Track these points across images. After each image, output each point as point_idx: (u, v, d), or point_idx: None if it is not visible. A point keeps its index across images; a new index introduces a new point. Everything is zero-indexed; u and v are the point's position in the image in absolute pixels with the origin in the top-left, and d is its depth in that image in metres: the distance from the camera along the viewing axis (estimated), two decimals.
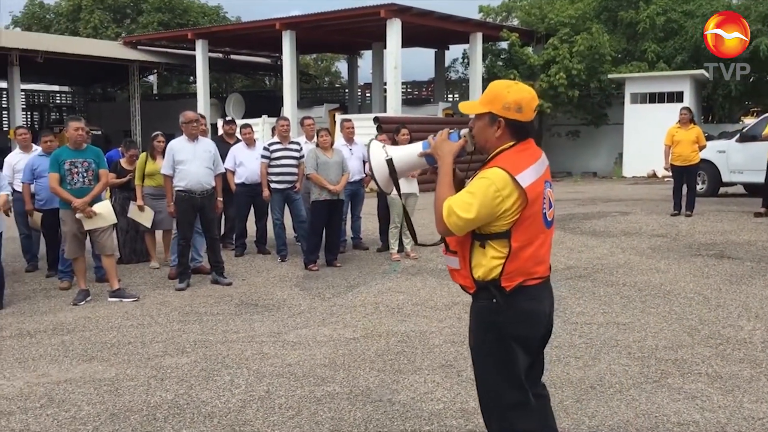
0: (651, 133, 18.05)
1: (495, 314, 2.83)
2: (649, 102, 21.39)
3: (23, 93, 29.36)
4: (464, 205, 2.72)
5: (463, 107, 3.04)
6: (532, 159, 2.83)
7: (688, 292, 7.00)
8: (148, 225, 8.77)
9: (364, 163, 9.55)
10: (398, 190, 3.15)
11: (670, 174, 12.11)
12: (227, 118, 11.98)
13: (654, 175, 20.11)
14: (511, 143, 2.84)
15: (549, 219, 2.89)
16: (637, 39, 23.48)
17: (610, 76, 22.25)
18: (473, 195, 2.72)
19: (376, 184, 3.11)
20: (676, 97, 20.52)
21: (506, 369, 2.85)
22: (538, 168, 2.83)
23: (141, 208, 8.66)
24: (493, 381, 2.89)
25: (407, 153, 3.10)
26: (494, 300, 2.80)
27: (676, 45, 22.49)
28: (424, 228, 9.35)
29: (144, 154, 8.85)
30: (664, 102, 20.83)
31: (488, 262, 2.79)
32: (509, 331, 2.83)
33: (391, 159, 3.05)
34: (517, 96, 2.80)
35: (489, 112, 2.83)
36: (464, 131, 2.94)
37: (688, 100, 19.92)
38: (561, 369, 4.90)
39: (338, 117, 18.20)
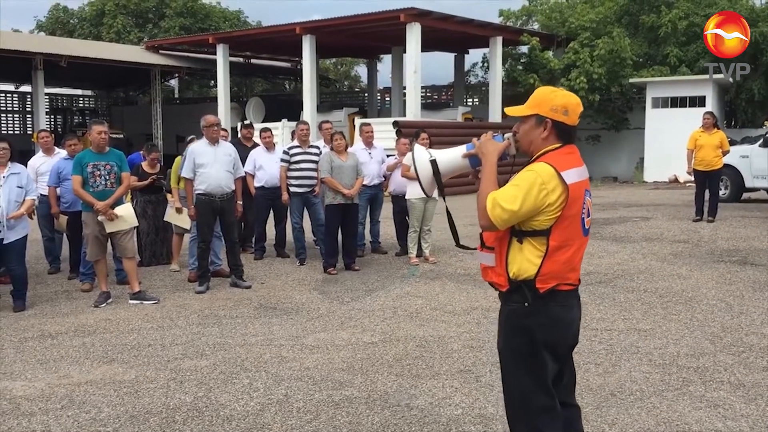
0: (672, 137, 17.89)
1: (526, 318, 2.82)
2: (671, 106, 21.19)
3: (47, 97, 29.73)
4: (509, 197, 2.73)
5: (510, 111, 3.05)
6: (577, 163, 2.87)
7: (710, 298, 6.92)
8: (188, 227, 8.63)
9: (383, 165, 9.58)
10: (441, 191, 3.18)
11: (692, 179, 12.00)
12: (245, 122, 12.05)
13: (675, 180, 19.93)
14: (557, 145, 2.86)
15: (587, 227, 2.89)
16: (659, 43, 23.27)
17: (631, 80, 22.08)
18: (518, 187, 2.73)
19: (420, 185, 3.12)
20: (698, 101, 20.32)
21: (535, 373, 2.85)
22: (581, 173, 2.86)
23: (179, 211, 8.61)
24: (521, 384, 2.88)
25: (451, 154, 3.11)
26: (526, 304, 2.80)
27: (698, 49, 22.26)
28: (445, 232, 9.33)
29: (179, 157, 8.79)
30: (686, 106, 20.63)
31: (524, 259, 2.79)
32: (539, 335, 2.82)
33: (435, 160, 3.06)
34: (564, 100, 2.86)
35: (536, 113, 2.86)
36: (508, 134, 2.96)
37: (711, 105, 19.72)
38: (581, 376, 4.85)
39: (357, 121, 18.23)
